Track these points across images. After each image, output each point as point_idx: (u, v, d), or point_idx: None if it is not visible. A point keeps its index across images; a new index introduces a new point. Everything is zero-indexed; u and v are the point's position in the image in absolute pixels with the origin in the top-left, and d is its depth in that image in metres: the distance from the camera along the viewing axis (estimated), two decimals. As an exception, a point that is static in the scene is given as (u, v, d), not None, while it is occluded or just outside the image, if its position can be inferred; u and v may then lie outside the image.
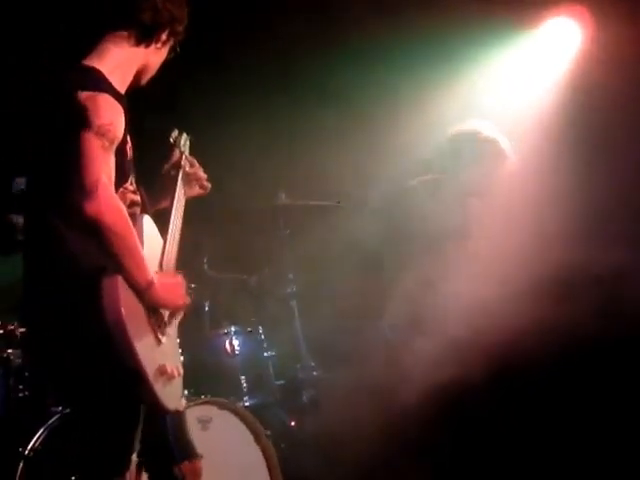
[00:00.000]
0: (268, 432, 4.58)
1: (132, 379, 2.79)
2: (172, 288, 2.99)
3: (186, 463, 3.19)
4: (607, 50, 5.32)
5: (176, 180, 3.30)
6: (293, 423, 5.28)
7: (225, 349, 5.06)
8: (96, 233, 2.74)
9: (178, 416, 3.18)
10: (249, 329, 5.21)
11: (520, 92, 5.49)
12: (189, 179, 3.36)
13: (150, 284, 2.85)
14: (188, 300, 3.07)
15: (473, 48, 5.54)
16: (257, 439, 4.52)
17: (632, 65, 5.20)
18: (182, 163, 3.36)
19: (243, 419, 4.47)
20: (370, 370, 4.48)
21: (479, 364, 4.39)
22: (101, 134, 2.79)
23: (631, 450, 4.44)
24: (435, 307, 4.42)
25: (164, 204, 3.28)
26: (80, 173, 2.72)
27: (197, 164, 3.40)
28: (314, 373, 5.41)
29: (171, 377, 2.94)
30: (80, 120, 2.78)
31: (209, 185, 3.41)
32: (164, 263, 3.06)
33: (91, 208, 2.70)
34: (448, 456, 4.49)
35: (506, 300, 4.24)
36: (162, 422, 3.13)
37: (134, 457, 3.01)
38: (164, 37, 3.11)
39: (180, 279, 3.06)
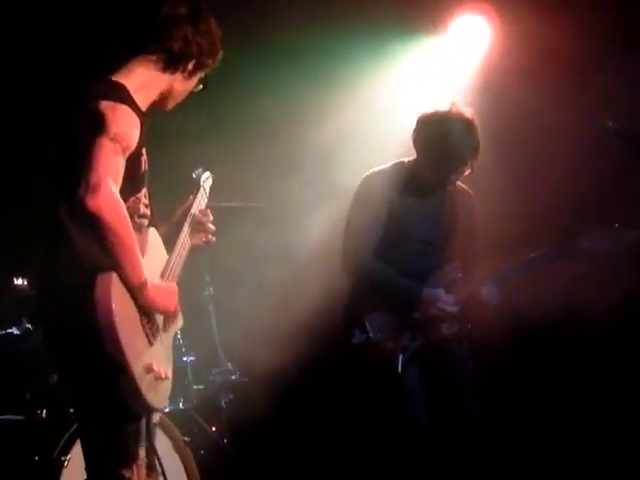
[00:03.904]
0: (186, 438, 4.56)
1: (116, 370, 2.95)
2: (164, 292, 3.16)
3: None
4: (513, 50, 5.38)
5: (190, 209, 3.46)
6: (214, 428, 5.24)
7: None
8: (95, 228, 2.92)
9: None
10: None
11: (431, 91, 5.43)
12: (197, 227, 3.46)
13: (143, 284, 3.02)
14: (178, 308, 3.24)
15: (383, 48, 5.54)
16: (175, 446, 4.47)
17: (539, 62, 5.27)
18: (198, 197, 3.51)
19: (161, 426, 4.38)
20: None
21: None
22: (115, 140, 3.00)
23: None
24: None
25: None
26: (88, 170, 2.93)
27: (210, 217, 3.50)
28: (232, 377, 5.39)
29: (158, 377, 3.09)
30: (98, 125, 3.00)
31: (214, 240, 3.51)
32: (166, 276, 3.23)
33: (92, 203, 2.89)
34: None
35: None
36: None
37: (142, 451, 3.15)
38: (190, 67, 3.29)
39: (174, 286, 3.23)
